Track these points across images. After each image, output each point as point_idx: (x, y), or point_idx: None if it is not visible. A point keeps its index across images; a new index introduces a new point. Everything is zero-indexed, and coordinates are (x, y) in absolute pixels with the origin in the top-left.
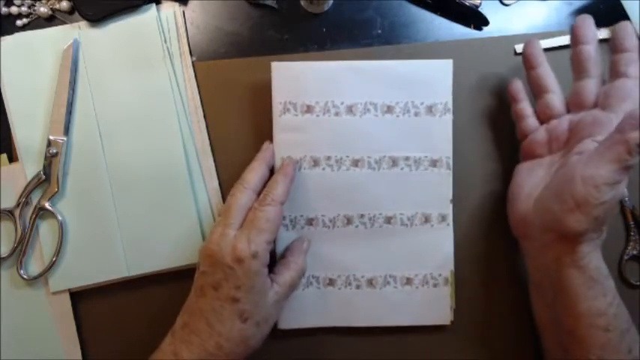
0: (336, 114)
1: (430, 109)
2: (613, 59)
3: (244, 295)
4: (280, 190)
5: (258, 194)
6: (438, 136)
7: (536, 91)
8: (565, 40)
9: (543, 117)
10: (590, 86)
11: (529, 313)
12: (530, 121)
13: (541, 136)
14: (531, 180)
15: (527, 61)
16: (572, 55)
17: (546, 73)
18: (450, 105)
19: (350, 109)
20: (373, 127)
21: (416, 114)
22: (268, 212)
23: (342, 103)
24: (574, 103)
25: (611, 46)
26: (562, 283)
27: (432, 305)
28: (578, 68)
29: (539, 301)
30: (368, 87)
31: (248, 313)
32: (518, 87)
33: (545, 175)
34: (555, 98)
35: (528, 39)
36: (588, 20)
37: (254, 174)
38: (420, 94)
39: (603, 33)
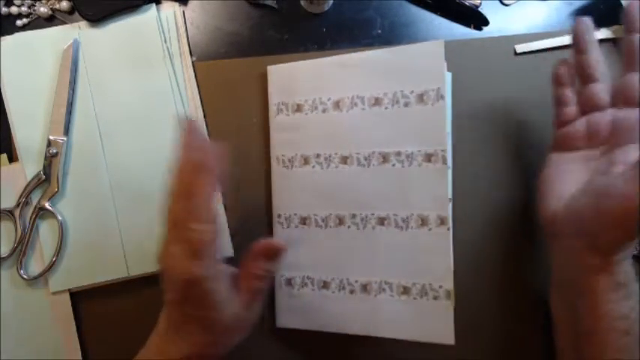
0: (324, 111)
1: (421, 98)
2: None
3: (205, 312)
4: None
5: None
6: (432, 127)
7: (583, 78)
8: (565, 40)
9: (586, 107)
10: (604, 88)
11: (536, 320)
12: (571, 109)
13: (581, 127)
14: (565, 176)
15: (577, 44)
16: (624, 43)
17: (596, 59)
18: (444, 91)
19: (337, 105)
20: (361, 121)
21: (406, 104)
22: (202, 234)
23: (329, 99)
24: (621, 97)
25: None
26: (587, 286)
27: (432, 320)
28: (630, 59)
29: (558, 299)
30: (354, 80)
31: (213, 325)
32: (564, 70)
33: (580, 172)
34: (603, 89)
35: (578, 18)
36: (587, 24)
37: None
38: (410, 82)
39: (603, 33)
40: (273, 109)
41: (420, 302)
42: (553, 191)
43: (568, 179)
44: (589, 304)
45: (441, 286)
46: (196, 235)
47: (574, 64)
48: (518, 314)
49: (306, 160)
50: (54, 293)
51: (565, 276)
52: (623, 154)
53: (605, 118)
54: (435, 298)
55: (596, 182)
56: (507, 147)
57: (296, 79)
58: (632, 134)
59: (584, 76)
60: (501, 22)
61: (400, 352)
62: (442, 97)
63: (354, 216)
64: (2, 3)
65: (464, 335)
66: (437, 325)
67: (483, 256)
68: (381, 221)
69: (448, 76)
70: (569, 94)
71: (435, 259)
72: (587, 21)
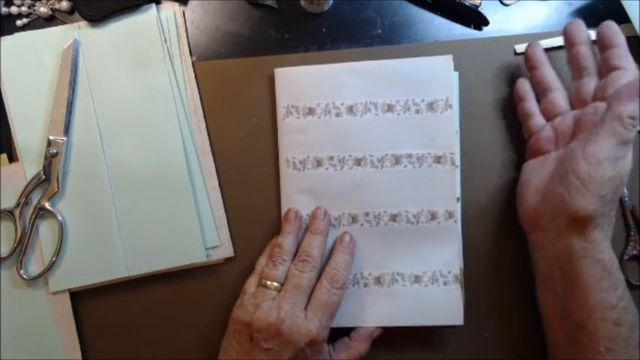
0: (337, 115)
1: (431, 106)
2: (603, 56)
3: None
4: (348, 273)
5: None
6: (441, 132)
7: (540, 91)
8: None
9: (548, 115)
10: (590, 83)
11: (536, 310)
12: (537, 119)
13: (548, 132)
14: (539, 174)
15: (529, 62)
16: (569, 57)
17: (548, 72)
18: (452, 100)
19: (350, 110)
20: (374, 126)
21: (417, 111)
22: (340, 297)
23: (342, 104)
24: (576, 101)
25: (599, 45)
26: (574, 275)
27: (443, 304)
28: (576, 68)
29: (547, 294)
30: (367, 87)
31: None
32: (525, 86)
33: (552, 166)
34: (559, 96)
35: (530, 43)
36: (578, 23)
37: (319, 250)
38: (421, 91)
39: None
40: (281, 111)
41: (430, 289)
42: (530, 189)
43: (542, 175)
44: (578, 294)
45: (450, 272)
46: (335, 299)
47: (530, 80)
48: (520, 294)
49: (319, 162)
50: (54, 293)
51: (553, 267)
52: (583, 138)
53: (566, 119)
54: (445, 283)
55: (561, 160)
56: (506, 145)
57: (306, 83)
58: (592, 121)
59: (541, 88)
60: (501, 22)
61: (412, 344)
62: (450, 105)
63: (367, 214)
64: (2, 3)
65: (469, 314)
66: (447, 308)
67: (490, 246)
68: (394, 218)
69: (455, 75)
70: (533, 106)
71: (444, 248)
72: (537, 44)
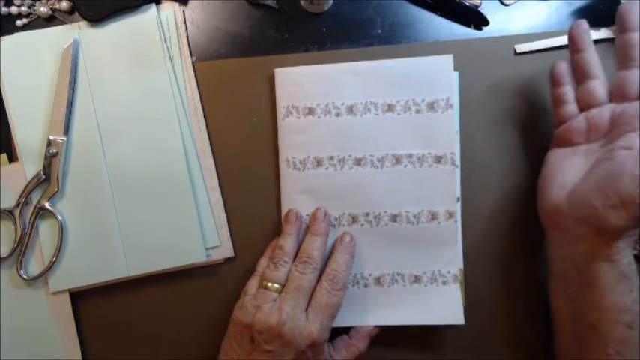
0: (337, 115)
1: (432, 106)
2: None
3: None
4: (348, 273)
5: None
6: (441, 132)
7: (580, 77)
8: (565, 40)
9: (583, 104)
10: (636, 76)
11: (541, 311)
12: (570, 107)
13: (580, 123)
14: (566, 170)
15: (572, 44)
16: (618, 42)
17: (592, 58)
18: (453, 100)
19: (350, 110)
20: (374, 126)
21: (417, 111)
22: (341, 298)
23: (342, 104)
24: (617, 94)
25: None
26: (591, 276)
27: (443, 304)
28: (623, 57)
29: (560, 293)
30: (368, 87)
31: None
32: (563, 70)
33: (581, 164)
34: (599, 85)
35: (576, 22)
36: (634, 6)
37: (320, 252)
38: (421, 91)
39: (603, 33)
40: (281, 111)
41: (429, 288)
42: (554, 183)
43: (570, 171)
44: (593, 296)
45: (449, 271)
46: (336, 300)
47: (570, 63)
48: (522, 295)
49: (319, 162)
50: (54, 293)
51: (569, 267)
52: (624, 141)
53: (602, 113)
54: (444, 283)
55: (601, 167)
56: (507, 145)
57: (306, 83)
58: (633, 124)
59: (581, 74)
60: (501, 22)
61: (412, 344)
62: (451, 105)
63: (367, 214)
64: (2, 3)
65: (471, 314)
66: (447, 307)
67: (491, 246)
68: (394, 218)
69: (455, 75)
70: (569, 92)
71: (444, 248)
72: (584, 23)
